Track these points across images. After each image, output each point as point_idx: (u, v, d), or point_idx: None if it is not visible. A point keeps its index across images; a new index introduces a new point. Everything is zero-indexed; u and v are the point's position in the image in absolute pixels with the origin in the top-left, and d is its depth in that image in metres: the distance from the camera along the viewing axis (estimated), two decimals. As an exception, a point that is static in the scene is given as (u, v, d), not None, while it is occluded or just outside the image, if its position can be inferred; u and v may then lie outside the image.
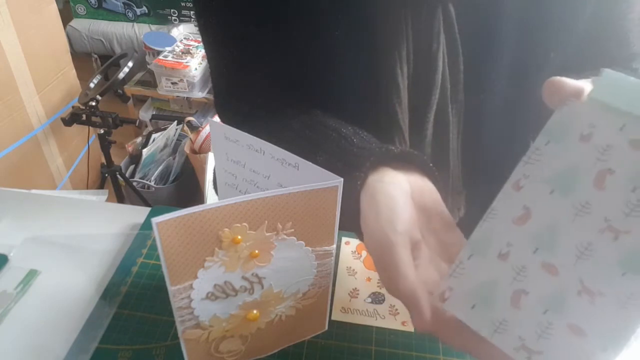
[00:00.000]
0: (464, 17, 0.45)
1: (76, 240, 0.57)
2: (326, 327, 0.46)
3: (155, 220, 0.29)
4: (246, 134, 0.37)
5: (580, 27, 0.48)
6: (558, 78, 0.29)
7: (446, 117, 0.48)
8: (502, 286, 0.30)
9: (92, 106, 1.61)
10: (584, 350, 0.27)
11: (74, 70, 1.95)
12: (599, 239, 0.27)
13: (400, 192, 0.35)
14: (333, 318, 0.48)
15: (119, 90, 1.83)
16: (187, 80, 2.11)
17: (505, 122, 0.51)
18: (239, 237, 0.33)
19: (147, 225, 0.59)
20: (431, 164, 0.38)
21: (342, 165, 0.38)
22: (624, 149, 0.27)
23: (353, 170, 0.36)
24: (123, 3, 2.52)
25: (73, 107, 1.74)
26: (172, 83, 2.13)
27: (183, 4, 2.49)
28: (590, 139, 0.28)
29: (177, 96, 2.20)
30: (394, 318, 0.49)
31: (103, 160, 1.79)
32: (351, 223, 0.37)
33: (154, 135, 1.99)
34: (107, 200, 1.59)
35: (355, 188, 0.36)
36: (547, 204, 0.29)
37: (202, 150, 1.82)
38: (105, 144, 1.72)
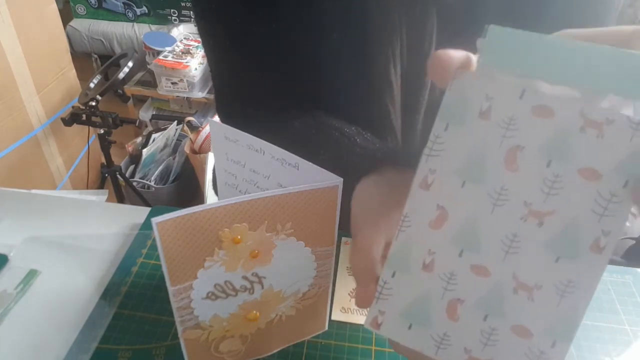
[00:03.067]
0: (457, 18, 0.45)
1: (76, 240, 0.57)
2: (326, 327, 0.46)
3: (155, 220, 0.29)
4: (246, 134, 0.37)
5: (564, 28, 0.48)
6: (440, 51, 0.25)
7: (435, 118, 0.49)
8: (435, 299, 0.27)
9: (92, 106, 1.61)
10: (533, 351, 0.25)
11: (74, 70, 1.94)
12: (523, 228, 0.24)
13: (388, 189, 0.35)
14: (333, 318, 0.48)
15: (119, 90, 1.83)
16: (187, 80, 2.11)
17: None
18: (239, 237, 0.33)
19: (147, 225, 0.59)
20: None
21: (344, 165, 0.38)
22: (529, 118, 0.23)
23: (354, 170, 0.36)
24: (123, 3, 2.52)
25: (73, 107, 1.74)
26: (172, 83, 2.13)
27: (183, 4, 2.49)
28: (490, 113, 0.24)
29: (177, 96, 2.20)
30: (394, 318, 0.49)
31: (103, 160, 1.79)
32: (348, 223, 0.37)
33: (154, 135, 1.99)
34: (107, 200, 1.58)
35: (353, 187, 0.36)
36: (462, 198, 0.25)
37: (202, 150, 1.82)
38: (105, 144, 1.72)
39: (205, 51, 0.53)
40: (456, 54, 0.25)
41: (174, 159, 2.00)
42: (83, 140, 1.95)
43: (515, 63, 0.23)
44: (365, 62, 0.46)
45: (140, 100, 2.41)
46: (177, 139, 2.07)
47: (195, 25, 2.58)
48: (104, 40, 2.53)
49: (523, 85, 0.23)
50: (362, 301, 0.30)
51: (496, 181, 0.25)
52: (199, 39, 2.37)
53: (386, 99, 0.46)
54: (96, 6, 2.55)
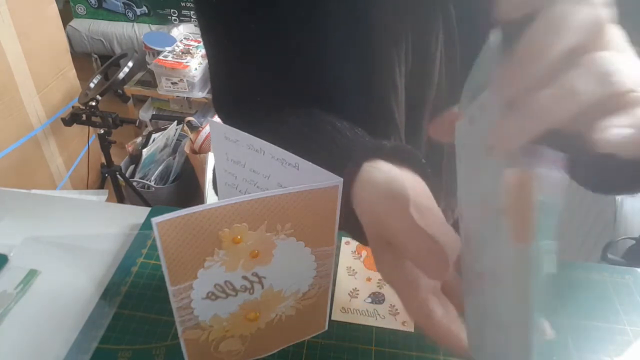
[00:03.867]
0: (464, 19, 0.45)
1: (76, 240, 0.57)
2: (326, 327, 0.46)
3: (155, 220, 0.29)
4: (246, 134, 0.37)
5: None
6: (435, 118, 0.31)
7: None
8: (467, 299, 0.29)
9: (92, 106, 1.61)
10: (507, 349, 0.25)
11: (74, 70, 1.94)
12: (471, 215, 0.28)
13: (395, 175, 0.34)
14: (333, 318, 0.48)
15: (119, 90, 1.83)
16: (187, 80, 2.11)
17: None
18: (239, 237, 0.33)
19: (147, 225, 0.59)
20: (424, 160, 0.38)
21: (334, 157, 0.37)
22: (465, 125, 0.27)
23: (345, 161, 0.36)
24: (123, 3, 2.52)
25: (73, 107, 1.74)
26: (172, 83, 2.13)
27: (183, 4, 2.49)
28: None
29: (177, 96, 2.20)
30: (394, 318, 0.49)
31: (103, 160, 1.79)
32: (346, 222, 0.37)
33: (154, 135, 1.99)
34: (107, 200, 1.58)
35: (348, 180, 0.35)
36: (465, 205, 0.29)
37: (202, 150, 1.82)
38: (105, 144, 1.72)
39: (206, 48, 0.53)
40: (447, 113, 0.30)
41: (174, 159, 2.00)
42: (83, 140, 1.95)
43: (474, 88, 0.27)
44: (371, 62, 0.46)
45: (140, 100, 2.41)
46: (177, 139, 2.07)
47: (195, 25, 2.58)
48: (104, 40, 2.53)
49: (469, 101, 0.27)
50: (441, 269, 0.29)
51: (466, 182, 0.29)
52: (199, 39, 2.38)
53: (391, 100, 0.46)
54: (96, 6, 2.55)
